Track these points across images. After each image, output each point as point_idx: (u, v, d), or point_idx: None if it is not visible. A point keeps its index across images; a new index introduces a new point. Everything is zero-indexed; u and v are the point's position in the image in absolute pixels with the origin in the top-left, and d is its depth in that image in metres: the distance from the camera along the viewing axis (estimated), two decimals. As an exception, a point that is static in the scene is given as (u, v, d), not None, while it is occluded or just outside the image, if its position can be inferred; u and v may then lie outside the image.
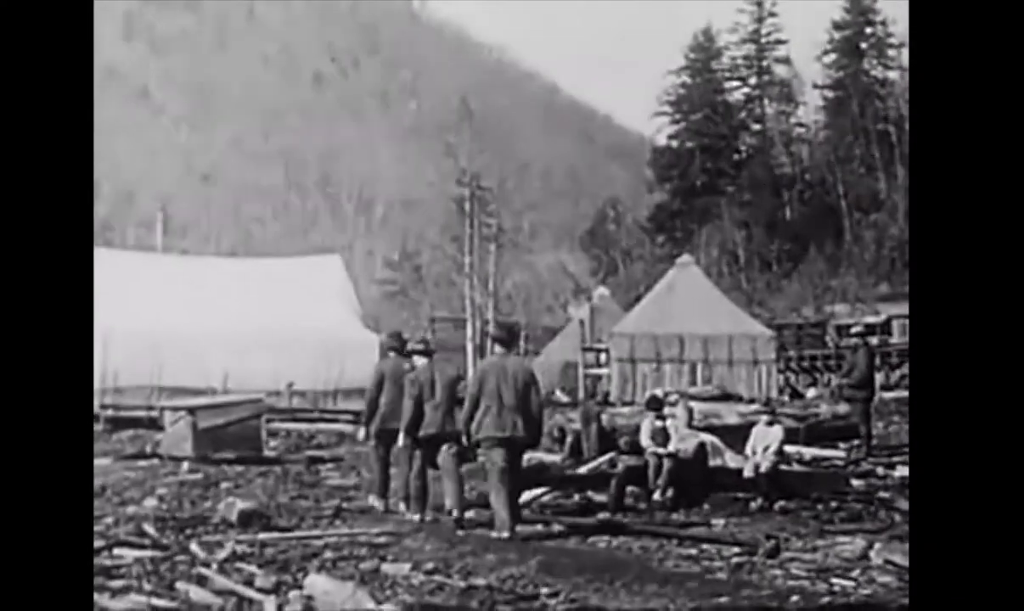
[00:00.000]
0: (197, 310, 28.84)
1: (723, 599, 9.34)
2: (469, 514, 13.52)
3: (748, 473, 15.39)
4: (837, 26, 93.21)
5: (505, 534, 12.50)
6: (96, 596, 8.41)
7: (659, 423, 15.86)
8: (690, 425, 17.59)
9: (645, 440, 15.66)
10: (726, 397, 28.83)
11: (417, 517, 13.87)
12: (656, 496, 14.98)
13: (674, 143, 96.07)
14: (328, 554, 11.30)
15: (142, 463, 20.84)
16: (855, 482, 16.42)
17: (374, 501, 15.24)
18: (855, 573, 10.42)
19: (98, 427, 25.06)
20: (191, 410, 21.71)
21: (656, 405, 16.46)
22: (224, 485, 17.73)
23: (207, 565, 10.47)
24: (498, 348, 13.69)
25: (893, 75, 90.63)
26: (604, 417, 18.88)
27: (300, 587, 9.52)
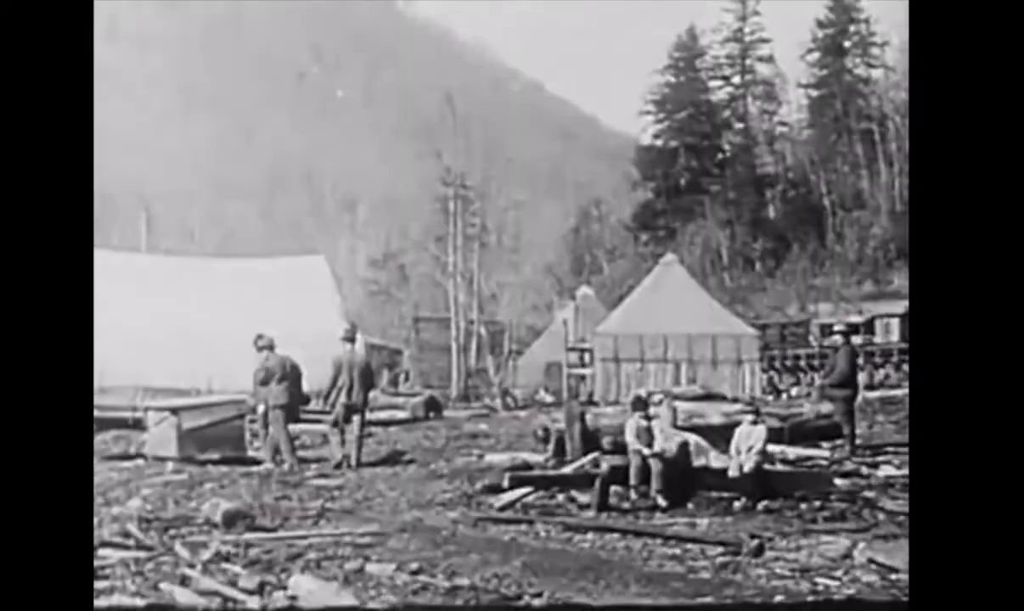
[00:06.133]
0: (181, 310, 28.81)
1: (707, 598, 9.37)
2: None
3: (732, 473, 15.41)
4: (820, 25, 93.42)
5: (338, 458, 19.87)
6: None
7: (644, 423, 15.86)
8: (674, 425, 17.60)
9: (630, 438, 15.66)
10: (710, 396, 28.87)
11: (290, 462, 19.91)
12: (660, 501, 14.95)
13: (658, 142, 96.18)
14: (312, 554, 11.28)
15: (126, 464, 20.80)
16: (839, 481, 16.43)
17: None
18: (839, 572, 10.44)
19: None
20: (175, 410, 21.67)
21: (641, 405, 16.45)
22: (208, 485, 17.69)
23: (191, 566, 10.46)
24: (347, 345, 20.71)
25: (876, 74, 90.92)
26: (588, 417, 18.86)
27: (284, 587, 9.52)
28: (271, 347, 20.68)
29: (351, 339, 20.95)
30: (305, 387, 21.27)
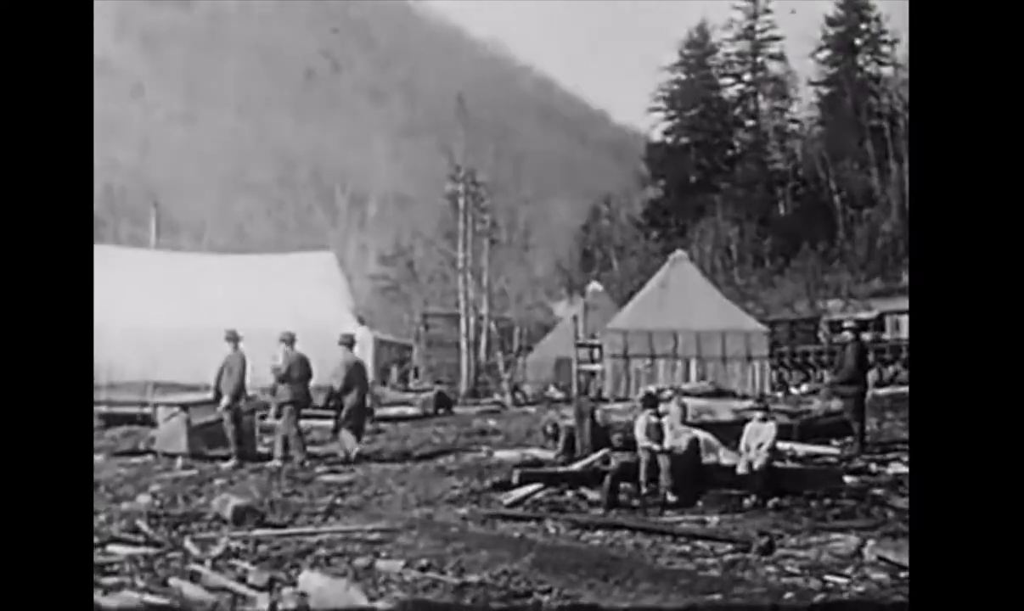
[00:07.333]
0: (191, 306, 28.79)
1: (716, 596, 9.36)
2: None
3: (741, 470, 15.38)
4: (831, 22, 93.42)
5: (353, 454, 20.33)
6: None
7: (654, 420, 15.85)
8: (684, 421, 17.59)
9: (640, 435, 15.66)
10: (719, 393, 28.84)
11: (300, 458, 20.05)
12: (670, 498, 14.94)
13: (668, 139, 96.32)
14: (322, 551, 11.30)
15: (136, 460, 20.85)
16: (848, 479, 16.41)
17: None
18: (849, 570, 10.43)
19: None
20: (184, 406, 21.72)
21: (651, 402, 16.44)
22: (218, 481, 17.74)
23: (201, 562, 10.47)
24: (343, 348, 21.07)
25: (886, 71, 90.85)
26: (598, 413, 18.84)
27: (294, 584, 9.52)
28: (291, 343, 21.09)
29: (349, 344, 21.35)
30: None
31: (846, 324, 23.72)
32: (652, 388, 22.02)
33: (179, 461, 20.26)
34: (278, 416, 20.93)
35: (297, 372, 20.87)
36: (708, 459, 16.14)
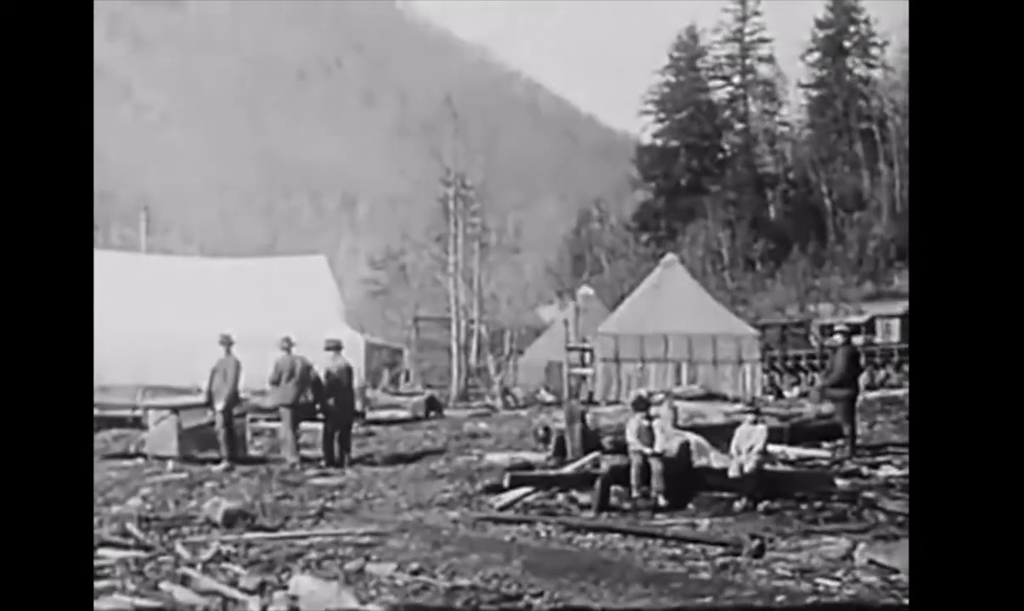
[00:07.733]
0: (181, 310, 28.71)
1: (707, 599, 9.36)
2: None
3: (733, 473, 15.38)
4: (820, 25, 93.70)
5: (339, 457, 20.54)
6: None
7: (645, 423, 15.86)
8: (675, 425, 17.57)
9: (631, 438, 15.65)
10: (711, 397, 28.84)
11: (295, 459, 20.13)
12: (661, 501, 14.95)
13: (658, 142, 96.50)
14: (313, 554, 11.28)
15: (126, 463, 20.82)
16: (839, 482, 16.40)
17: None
18: (839, 573, 10.43)
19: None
20: (175, 409, 21.68)
21: (643, 405, 16.45)
22: (209, 485, 17.71)
23: (192, 565, 10.45)
24: (331, 354, 21.28)
25: (876, 74, 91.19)
26: (588, 417, 18.82)
27: (285, 587, 9.51)
28: (288, 348, 21.12)
29: (336, 349, 21.62)
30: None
31: (837, 327, 23.74)
32: (643, 391, 22.03)
33: (170, 464, 20.24)
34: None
35: (288, 376, 20.84)
36: (699, 462, 16.13)
